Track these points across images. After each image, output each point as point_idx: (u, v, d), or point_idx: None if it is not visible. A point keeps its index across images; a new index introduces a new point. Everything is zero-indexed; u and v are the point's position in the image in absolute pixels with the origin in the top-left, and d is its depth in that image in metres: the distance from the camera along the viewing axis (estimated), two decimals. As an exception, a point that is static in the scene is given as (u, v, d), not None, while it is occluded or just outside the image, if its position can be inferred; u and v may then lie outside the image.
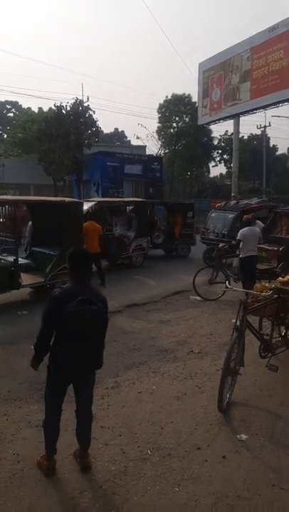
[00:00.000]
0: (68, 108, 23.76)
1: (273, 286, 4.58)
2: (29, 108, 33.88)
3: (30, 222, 9.61)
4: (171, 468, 2.89)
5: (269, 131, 36.53)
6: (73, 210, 7.90)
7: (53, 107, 24.71)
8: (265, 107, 23.70)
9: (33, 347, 2.79)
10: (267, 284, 4.83)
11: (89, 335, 2.62)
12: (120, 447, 3.12)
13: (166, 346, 5.32)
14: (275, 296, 4.29)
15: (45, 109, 29.77)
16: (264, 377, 4.30)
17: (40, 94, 60.50)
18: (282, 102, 22.06)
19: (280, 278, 4.94)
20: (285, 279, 4.76)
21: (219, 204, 13.14)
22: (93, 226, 8.76)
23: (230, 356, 3.66)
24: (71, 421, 3.03)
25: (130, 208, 12.22)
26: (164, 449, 3.11)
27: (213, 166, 42.07)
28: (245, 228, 7.63)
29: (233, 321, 4.04)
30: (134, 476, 2.81)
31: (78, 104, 23.51)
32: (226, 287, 4.53)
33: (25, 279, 7.09)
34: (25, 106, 38.16)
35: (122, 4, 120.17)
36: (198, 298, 7.79)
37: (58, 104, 24.03)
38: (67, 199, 8.69)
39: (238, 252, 7.96)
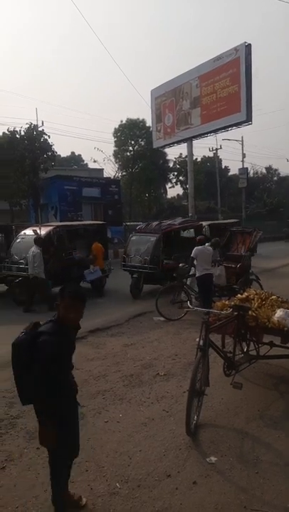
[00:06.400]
0: (22, 133, 23.53)
1: (233, 303, 4.68)
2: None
3: None
4: (141, 501, 2.79)
5: (221, 154, 38.42)
6: None
7: (7, 132, 24.37)
8: (215, 131, 24.89)
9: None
10: (227, 302, 4.94)
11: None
12: (87, 483, 2.98)
13: (131, 371, 5.23)
14: (235, 313, 4.38)
15: (-1, 134, 29.25)
16: (230, 395, 4.32)
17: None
18: (231, 126, 23.29)
19: (239, 295, 5.08)
20: (244, 295, 4.90)
21: (140, 226, 11.63)
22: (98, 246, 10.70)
23: (196, 377, 3.65)
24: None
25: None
26: (133, 480, 3.00)
27: (170, 188, 43.48)
28: (199, 247, 7.83)
29: (197, 339, 4.05)
30: (103, 513, 2.68)
31: (32, 128, 23.37)
32: (188, 307, 4.58)
33: None
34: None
35: (78, 35, 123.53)
36: (162, 318, 7.79)
37: (12, 129, 23.75)
38: None
39: (193, 272, 8.12)
